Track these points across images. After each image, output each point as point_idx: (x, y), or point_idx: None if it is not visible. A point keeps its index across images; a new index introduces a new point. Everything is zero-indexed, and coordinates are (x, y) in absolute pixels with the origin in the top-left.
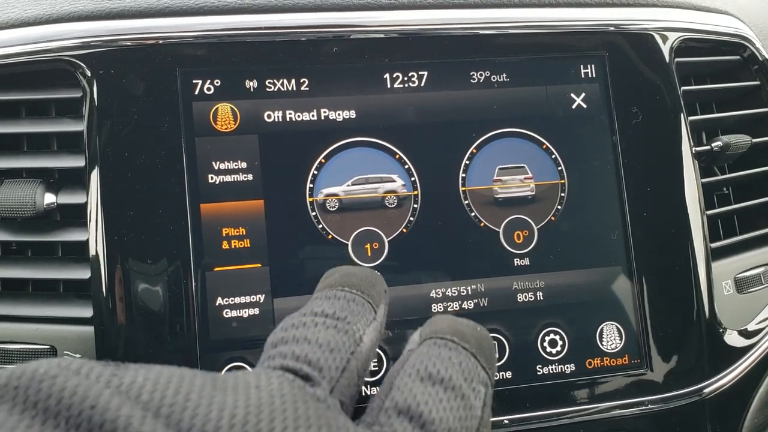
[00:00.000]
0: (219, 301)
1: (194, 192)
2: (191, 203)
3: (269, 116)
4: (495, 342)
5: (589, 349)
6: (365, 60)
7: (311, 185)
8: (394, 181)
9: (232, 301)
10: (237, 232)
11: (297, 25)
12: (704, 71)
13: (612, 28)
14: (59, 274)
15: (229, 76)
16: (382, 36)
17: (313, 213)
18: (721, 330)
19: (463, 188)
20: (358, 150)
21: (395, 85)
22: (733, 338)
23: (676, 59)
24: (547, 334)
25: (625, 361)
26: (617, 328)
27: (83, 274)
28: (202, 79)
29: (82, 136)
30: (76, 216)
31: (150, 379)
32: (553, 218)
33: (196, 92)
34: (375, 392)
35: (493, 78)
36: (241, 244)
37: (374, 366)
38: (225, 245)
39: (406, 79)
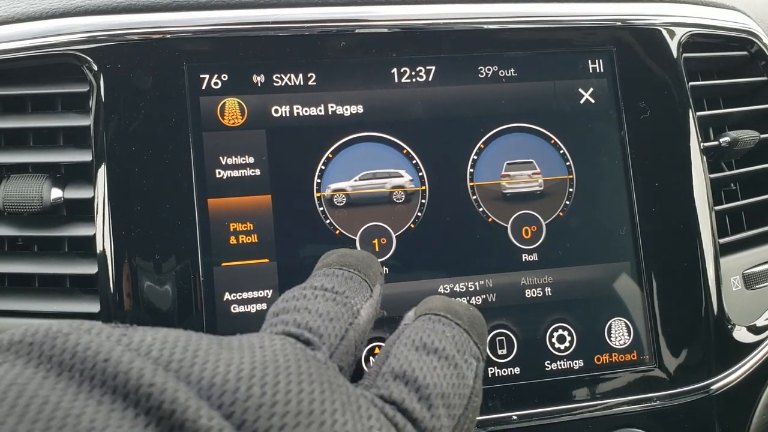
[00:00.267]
0: (226, 296)
1: (201, 187)
2: (199, 198)
3: (276, 111)
4: (503, 337)
5: (598, 345)
6: (372, 54)
7: (318, 180)
8: (401, 176)
9: (239, 296)
10: (244, 227)
11: (304, 19)
12: (712, 67)
13: (620, 23)
14: (66, 270)
15: (237, 70)
16: (390, 30)
17: (321, 208)
18: (729, 326)
19: (471, 183)
20: (365, 145)
21: (403, 80)
22: (741, 334)
23: (684, 54)
24: (556, 329)
25: (633, 357)
26: (625, 324)
27: (90, 269)
28: (209, 73)
29: (88, 130)
30: (83, 211)
31: (158, 338)
32: (561, 214)
33: (204, 87)
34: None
35: (501, 73)
36: (248, 239)
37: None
38: (232, 240)
39: (413, 73)
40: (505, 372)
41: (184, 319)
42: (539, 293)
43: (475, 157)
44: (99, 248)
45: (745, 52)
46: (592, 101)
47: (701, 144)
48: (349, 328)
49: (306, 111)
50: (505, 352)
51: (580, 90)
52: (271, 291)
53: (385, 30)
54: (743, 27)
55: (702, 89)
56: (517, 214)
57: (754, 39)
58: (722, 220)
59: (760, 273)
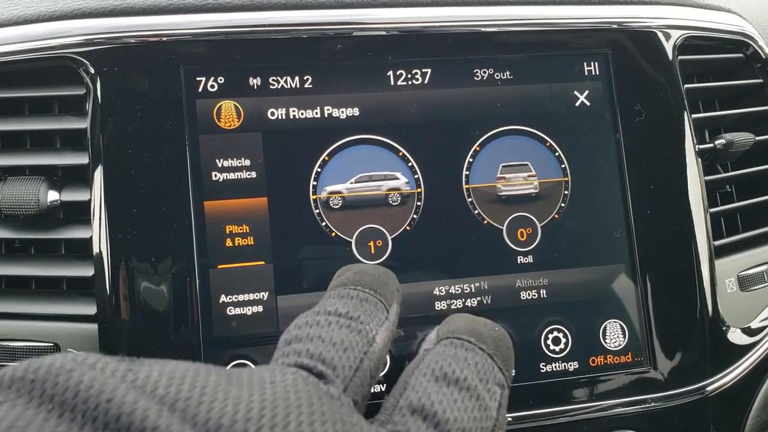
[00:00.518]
0: (222, 298)
1: (198, 189)
2: (195, 201)
3: (273, 114)
4: None
5: (593, 347)
6: (368, 57)
7: (315, 183)
8: (397, 178)
9: (235, 298)
10: (240, 229)
11: (300, 22)
12: (707, 69)
13: (615, 26)
14: (62, 272)
15: (233, 73)
16: (386, 33)
17: (317, 210)
18: (724, 328)
19: (467, 186)
20: (361, 147)
21: (398, 83)
22: (736, 336)
23: (680, 57)
24: (551, 332)
25: (628, 359)
26: (620, 325)
27: (86, 271)
28: (205, 76)
29: (85, 133)
30: (80, 213)
31: (165, 374)
32: (556, 216)
33: (200, 89)
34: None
35: (497, 75)
36: (244, 241)
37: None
38: (228, 243)
39: (409, 76)
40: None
41: (179, 321)
42: (534, 295)
43: (471, 160)
44: (95, 250)
45: (741, 55)
46: (588, 104)
47: (696, 146)
48: (363, 358)
49: (302, 114)
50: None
51: (576, 92)
52: (267, 293)
53: (381, 33)
54: (738, 29)
55: (697, 91)
56: (513, 216)
57: (750, 41)
58: (718, 222)
59: (755, 275)
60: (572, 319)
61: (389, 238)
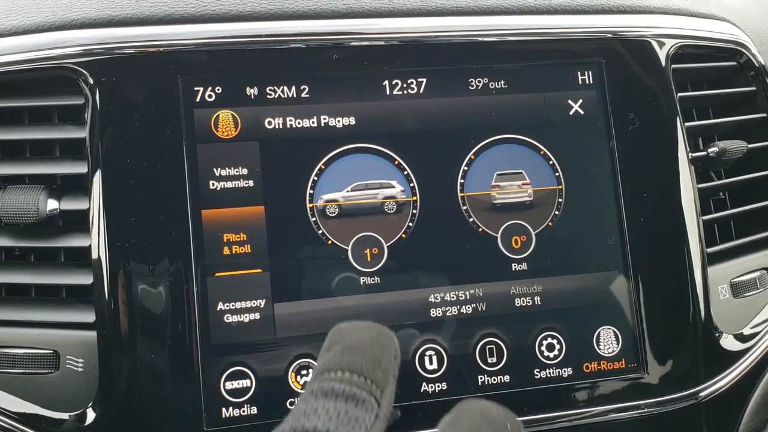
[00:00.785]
0: (220, 306)
1: (195, 198)
2: (192, 209)
3: (270, 123)
4: (493, 346)
5: (587, 353)
6: (365, 67)
7: (311, 191)
8: (393, 186)
9: (233, 306)
10: (238, 237)
11: (297, 32)
12: (701, 77)
13: (609, 35)
14: (62, 280)
15: (230, 83)
16: (382, 43)
17: (313, 219)
18: (717, 334)
19: (462, 194)
20: (357, 156)
21: (394, 92)
22: (728, 342)
23: (673, 65)
24: (545, 338)
25: (621, 365)
26: (614, 332)
27: (86, 279)
28: (203, 86)
29: (84, 142)
30: (79, 222)
31: None
32: (550, 224)
33: (198, 99)
34: None
35: (492, 85)
36: (242, 249)
37: None
38: (226, 251)
39: (405, 85)
40: (494, 380)
41: (177, 329)
42: (528, 302)
43: (466, 168)
44: (94, 258)
45: (734, 63)
46: (582, 112)
47: (690, 154)
48: None
49: (299, 123)
50: (494, 360)
51: (570, 101)
52: (264, 301)
53: (377, 43)
54: (732, 38)
55: (691, 99)
56: (507, 224)
57: (743, 49)
58: (711, 229)
59: (748, 282)
60: (566, 326)
61: (385, 245)
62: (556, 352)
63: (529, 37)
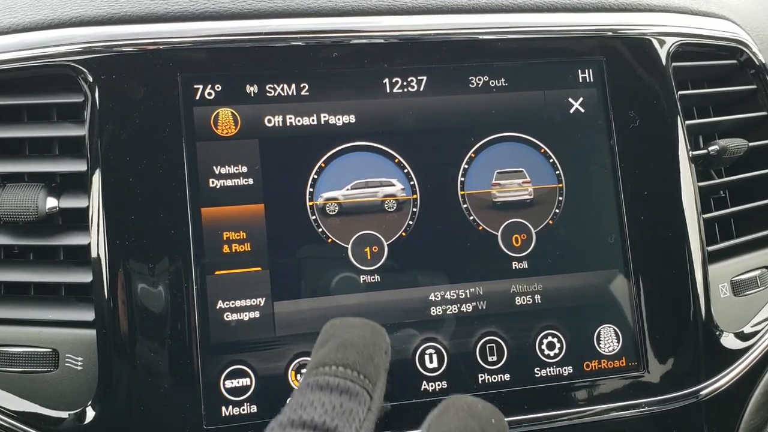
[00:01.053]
0: (220, 304)
1: (195, 196)
2: (192, 207)
3: (270, 121)
4: (493, 345)
5: (587, 352)
6: (365, 65)
7: (311, 189)
8: (393, 185)
9: (232, 304)
10: (238, 235)
11: (297, 30)
12: (701, 75)
13: (610, 33)
14: (61, 278)
15: (230, 81)
16: (382, 41)
17: (313, 217)
18: (717, 332)
19: (462, 192)
20: (357, 154)
21: (394, 90)
22: (729, 341)
23: (673, 64)
24: (545, 336)
25: (622, 363)
26: (614, 330)
27: (85, 277)
28: (203, 84)
29: (83, 140)
30: (78, 220)
31: None
32: (551, 222)
33: (197, 97)
34: None
35: (492, 83)
36: (241, 247)
37: None
38: (226, 249)
39: (405, 83)
40: (494, 379)
41: (177, 327)
42: (529, 300)
43: (466, 166)
44: (93, 256)
45: (735, 61)
46: (582, 110)
47: (690, 152)
48: None
49: (299, 121)
50: (495, 359)
51: (570, 99)
52: (264, 299)
53: (377, 41)
54: (732, 36)
55: (691, 98)
56: (507, 222)
57: (744, 48)
58: (711, 227)
59: (749, 280)
60: (567, 324)
61: (385, 244)
62: (556, 351)
63: (529, 35)
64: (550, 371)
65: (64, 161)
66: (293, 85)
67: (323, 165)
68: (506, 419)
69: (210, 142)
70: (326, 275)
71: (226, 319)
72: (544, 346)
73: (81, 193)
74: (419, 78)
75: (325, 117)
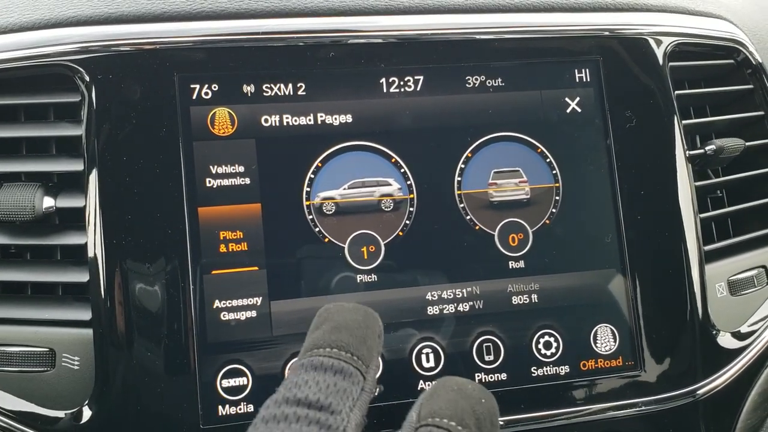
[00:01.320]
0: (216, 303)
1: (192, 196)
2: (189, 207)
3: (266, 120)
4: (490, 344)
5: (584, 351)
6: (361, 65)
7: (308, 189)
8: (390, 184)
9: (229, 303)
10: (234, 235)
11: (294, 30)
12: (698, 75)
13: (606, 33)
14: (58, 277)
15: (227, 80)
16: (379, 41)
17: (310, 216)
18: (714, 332)
19: (459, 192)
20: (354, 154)
21: (391, 90)
22: (726, 340)
23: (670, 63)
24: (542, 336)
25: (619, 362)
26: (611, 330)
27: (82, 277)
28: (199, 83)
29: (80, 140)
30: (75, 219)
31: None
32: (547, 221)
33: (194, 97)
34: None
35: (489, 82)
36: (238, 247)
37: None
38: (222, 248)
39: (402, 83)
40: (491, 378)
41: (174, 327)
42: (526, 300)
43: (463, 166)
44: (90, 256)
45: (731, 61)
46: (579, 110)
47: (687, 152)
48: None
49: (295, 120)
50: (491, 358)
51: (567, 99)
52: (261, 298)
53: (374, 40)
54: (729, 36)
55: (688, 97)
56: (504, 221)
57: (740, 47)
58: (708, 227)
59: (745, 279)
60: (563, 324)
61: (382, 243)
62: (553, 350)
63: (526, 35)
64: (546, 370)
65: (61, 161)
66: (290, 85)
67: (320, 164)
68: (503, 419)
69: (207, 141)
70: (323, 275)
71: (222, 318)
72: (540, 346)
73: (78, 192)
74: (416, 78)
75: (321, 117)
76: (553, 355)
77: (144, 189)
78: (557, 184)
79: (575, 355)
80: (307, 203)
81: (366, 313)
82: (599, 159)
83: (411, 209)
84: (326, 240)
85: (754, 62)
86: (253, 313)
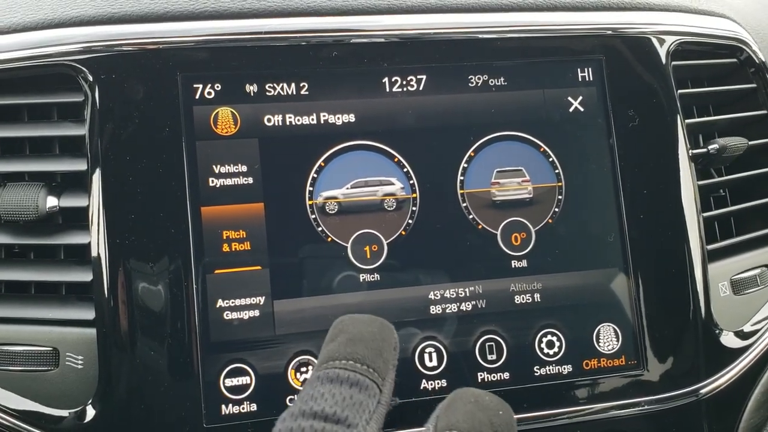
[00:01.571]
0: (219, 303)
1: (195, 195)
2: (192, 206)
3: (269, 120)
4: (492, 343)
5: (586, 350)
6: (364, 64)
7: (311, 188)
8: (392, 184)
9: (232, 303)
10: (237, 234)
11: (297, 29)
12: (701, 74)
13: (609, 32)
14: (61, 277)
15: (230, 80)
16: (381, 40)
17: (313, 216)
18: (717, 331)
19: (461, 191)
20: (357, 153)
21: (394, 89)
22: (729, 339)
23: (673, 62)
24: (545, 335)
25: (621, 362)
26: (614, 329)
27: (85, 276)
28: (202, 83)
29: (83, 139)
30: (78, 219)
31: None
32: (550, 220)
33: (197, 96)
34: None
35: (491, 82)
36: (241, 246)
37: None
38: (225, 248)
39: (404, 83)
40: (494, 377)
41: (177, 326)
42: (528, 299)
43: (466, 165)
44: (94, 255)
45: (734, 60)
46: (582, 109)
47: (690, 151)
48: None
49: (298, 120)
50: (494, 357)
51: (570, 98)
52: (264, 298)
53: (377, 40)
54: (732, 34)
55: (691, 96)
56: (507, 221)
57: (743, 46)
58: (711, 226)
59: (748, 279)
60: (566, 323)
61: (385, 242)
62: (556, 349)
63: (528, 34)
64: (549, 370)
65: (64, 160)
66: (293, 85)
67: (323, 164)
68: None
69: (210, 141)
70: (326, 274)
71: (226, 317)
72: (543, 345)
73: (81, 192)
74: (419, 77)
75: (324, 116)
76: (555, 354)
77: (147, 188)
78: (560, 184)
79: (578, 354)
80: (310, 203)
81: (381, 325)
82: (602, 158)
83: (414, 208)
84: (329, 239)
85: (757, 61)
86: (256, 313)
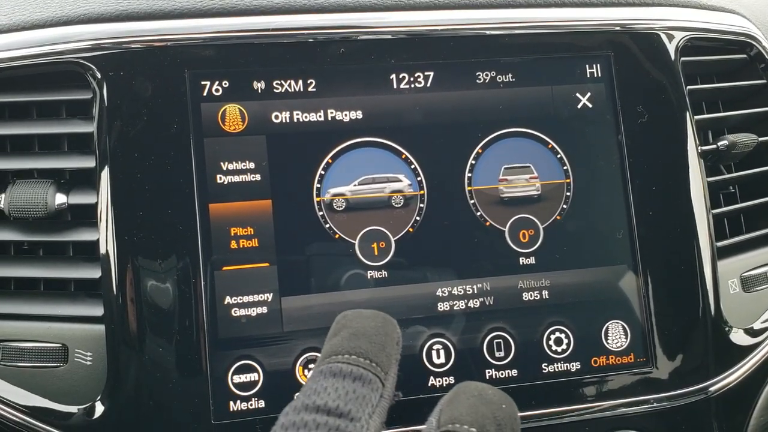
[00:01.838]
0: (227, 299)
1: (203, 192)
2: (200, 203)
3: (277, 117)
4: (500, 340)
5: (595, 348)
6: (372, 61)
7: (318, 185)
8: (400, 180)
9: (240, 299)
10: (245, 231)
11: (304, 26)
12: (710, 70)
13: (618, 28)
14: (70, 274)
15: (237, 77)
16: (389, 37)
17: (321, 213)
18: (726, 328)
19: (469, 188)
20: (364, 150)
21: (401, 86)
22: (738, 337)
23: (682, 58)
24: (553, 332)
25: (630, 359)
26: (623, 326)
27: (94, 273)
28: (210, 80)
29: (92, 137)
30: (87, 216)
31: None
32: (558, 217)
33: (205, 93)
34: None
35: (499, 78)
36: (249, 243)
37: None
38: (233, 245)
39: (412, 79)
40: (502, 374)
41: (185, 322)
42: (536, 296)
43: (473, 162)
44: (102, 252)
45: (744, 55)
46: (590, 106)
47: (699, 147)
48: None
49: (306, 117)
50: (502, 354)
51: (578, 95)
52: (272, 294)
53: (384, 36)
54: (742, 30)
55: (700, 93)
56: (515, 218)
57: (753, 42)
58: (721, 222)
59: (758, 276)
60: (574, 320)
61: (392, 239)
62: (564, 347)
63: (536, 31)
64: (557, 367)
65: (72, 157)
66: (300, 81)
67: (330, 161)
68: None
69: (217, 138)
70: (333, 271)
71: (233, 314)
72: (551, 342)
73: (90, 189)
74: (426, 74)
75: (332, 113)
76: (564, 351)
77: (155, 185)
78: (568, 180)
79: (586, 351)
80: (318, 199)
81: (385, 319)
82: (610, 155)
83: (421, 205)
84: (337, 236)
85: (767, 57)
86: (264, 309)
